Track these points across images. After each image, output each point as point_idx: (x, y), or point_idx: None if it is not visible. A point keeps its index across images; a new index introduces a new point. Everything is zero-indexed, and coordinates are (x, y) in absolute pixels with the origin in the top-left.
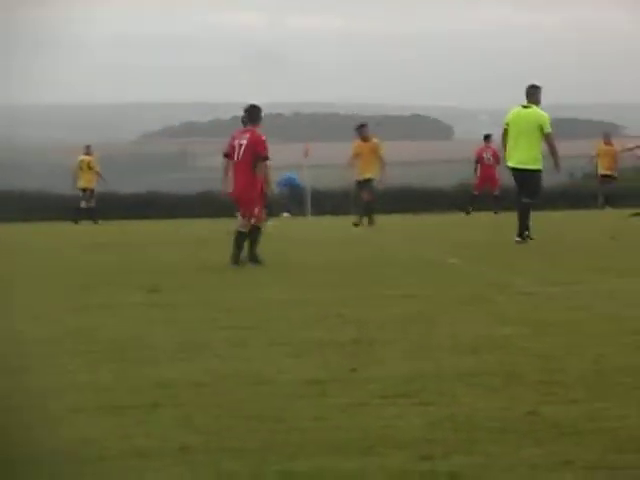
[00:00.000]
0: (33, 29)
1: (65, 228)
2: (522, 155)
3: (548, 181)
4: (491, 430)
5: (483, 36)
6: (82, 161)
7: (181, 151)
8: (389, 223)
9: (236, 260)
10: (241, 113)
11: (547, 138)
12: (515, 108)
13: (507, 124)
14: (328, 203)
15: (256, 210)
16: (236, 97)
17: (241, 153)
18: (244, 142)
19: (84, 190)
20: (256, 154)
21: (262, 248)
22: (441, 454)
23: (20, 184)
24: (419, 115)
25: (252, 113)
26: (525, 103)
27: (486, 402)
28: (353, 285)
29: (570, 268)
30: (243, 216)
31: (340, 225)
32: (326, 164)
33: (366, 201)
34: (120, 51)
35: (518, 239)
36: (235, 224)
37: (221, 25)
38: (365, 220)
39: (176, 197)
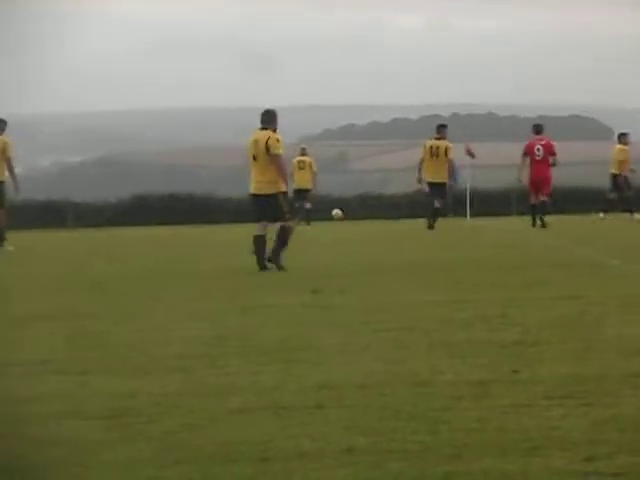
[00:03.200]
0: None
1: (228, 229)
2: None
3: None
4: None
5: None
6: (303, 162)
7: (340, 154)
8: (549, 223)
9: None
10: (399, 115)
11: None
12: None
13: None
14: (488, 204)
15: (546, 190)
16: (394, 99)
17: (541, 153)
18: (541, 144)
19: (300, 191)
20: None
21: (422, 249)
22: (605, 455)
23: (188, 188)
24: (578, 116)
25: (538, 127)
26: None
27: None
28: (516, 286)
29: None
30: (537, 194)
31: (500, 226)
32: (484, 165)
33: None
34: (274, 51)
35: None
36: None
37: (375, 26)
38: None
39: (335, 199)
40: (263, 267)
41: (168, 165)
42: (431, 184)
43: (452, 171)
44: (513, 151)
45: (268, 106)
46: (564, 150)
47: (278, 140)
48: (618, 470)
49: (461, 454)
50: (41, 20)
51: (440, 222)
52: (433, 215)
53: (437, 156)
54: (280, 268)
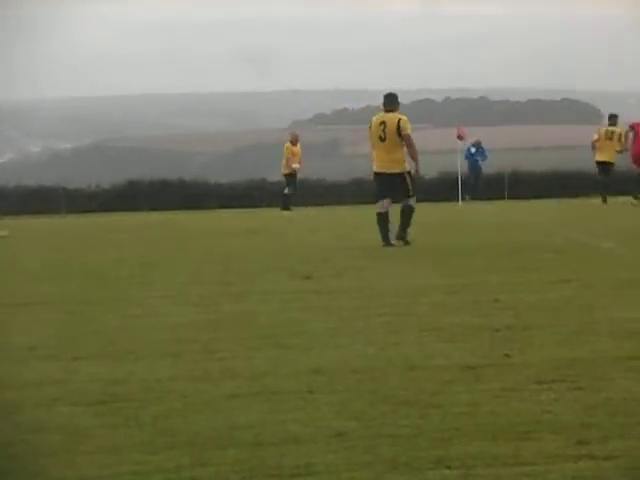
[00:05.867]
0: None
1: (220, 215)
2: None
3: None
4: None
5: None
6: (287, 148)
7: (332, 139)
8: (541, 208)
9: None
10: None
11: None
12: None
13: None
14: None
15: None
16: (387, 84)
17: None
18: None
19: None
20: None
21: (415, 233)
22: (597, 438)
23: (178, 173)
24: (569, 99)
25: None
26: None
27: None
28: (508, 270)
29: None
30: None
31: (493, 210)
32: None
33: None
34: (268, 35)
35: None
36: None
37: (369, 10)
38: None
39: (328, 184)
40: (388, 243)
41: (159, 151)
42: (600, 163)
43: (625, 148)
44: (506, 135)
45: (259, 91)
46: (557, 134)
47: (407, 121)
48: (610, 454)
49: (453, 438)
50: (33, 6)
51: (434, 206)
52: (602, 190)
53: (611, 139)
54: (407, 243)
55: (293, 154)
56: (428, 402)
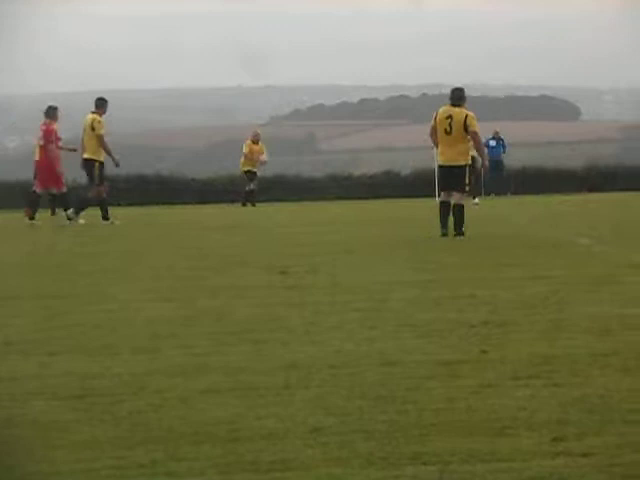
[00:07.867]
0: None
1: (196, 210)
2: None
3: None
4: (625, 411)
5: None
6: (247, 146)
7: (308, 134)
8: (519, 204)
9: None
10: (368, 96)
11: None
12: None
13: None
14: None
15: None
16: (362, 80)
17: None
18: None
19: (247, 173)
20: None
21: (392, 229)
22: (574, 435)
23: (154, 168)
24: (547, 96)
25: None
26: None
27: (619, 383)
28: (484, 266)
29: None
30: None
31: (469, 206)
32: None
33: None
34: (244, 31)
35: None
36: None
37: (345, 6)
38: None
39: (304, 179)
40: (444, 233)
41: (135, 147)
42: None
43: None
44: (483, 131)
45: (238, 87)
46: (534, 130)
47: (474, 117)
48: (587, 451)
49: (429, 434)
50: (11, 3)
51: (410, 202)
52: None
53: None
54: (461, 235)
55: (251, 152)
56: (405, 398)
